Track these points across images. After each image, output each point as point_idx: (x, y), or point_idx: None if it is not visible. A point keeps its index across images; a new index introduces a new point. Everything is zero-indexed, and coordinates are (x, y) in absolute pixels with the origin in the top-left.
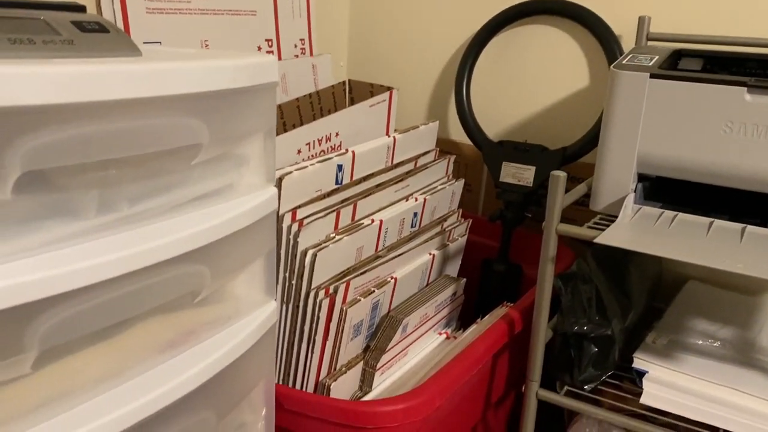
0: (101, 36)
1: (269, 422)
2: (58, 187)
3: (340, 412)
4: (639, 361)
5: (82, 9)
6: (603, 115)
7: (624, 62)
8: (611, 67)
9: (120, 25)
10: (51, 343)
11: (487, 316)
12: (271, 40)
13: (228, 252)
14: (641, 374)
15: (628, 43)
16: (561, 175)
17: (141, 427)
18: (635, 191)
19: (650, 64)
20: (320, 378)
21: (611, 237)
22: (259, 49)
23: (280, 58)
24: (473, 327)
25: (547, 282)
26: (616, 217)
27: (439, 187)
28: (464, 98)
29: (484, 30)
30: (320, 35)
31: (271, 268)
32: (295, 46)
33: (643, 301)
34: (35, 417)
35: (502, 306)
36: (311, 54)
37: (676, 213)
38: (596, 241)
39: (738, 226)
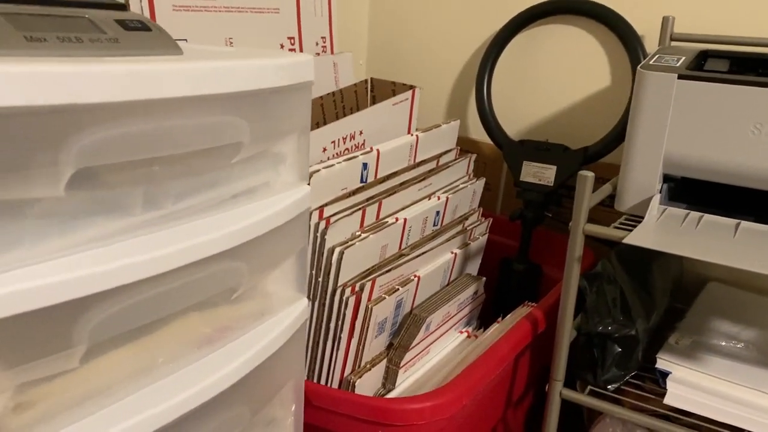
0: (144, 34)
1: (298, 418)
2: (106, 184)
3: (368, 408)
4: (662, 362)
5: (122, 7)
6: (629, 116)
7: (651, 63)
8: (638, 67)
9: None
10: (99, 337)
11: (509, 316)
12: (293, 37)
13: (265, 249)
14: (665, 375)
15: (650, 42)
16: (588, 175)
17: (182, 421)
18: (661, 192)
19: (677, 64)
20: (345, 375)
21: (639, 238)
22: (282, 47)
23: None
24: (495, 326)
25: (573, 282)
26: (641, 217)
27: (461, 186)
28: (485, 97)
29: (506, 29)
30: (340, 33)
31: (303, 265)
32: (317, 44)
33: (665, 302)
34: (82, 410)
35: (523, 305)
36: (332, 52)
37: (701, 214)
38: (625, 241)
39: (765, 227)
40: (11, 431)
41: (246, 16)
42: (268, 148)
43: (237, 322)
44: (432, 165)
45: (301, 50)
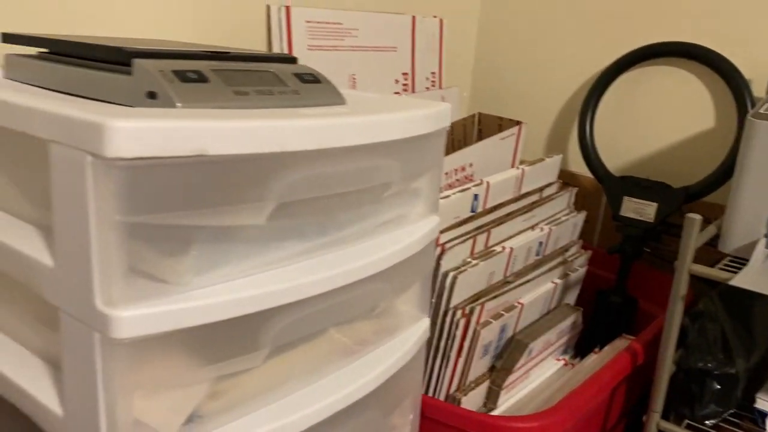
0: (316, 86)
1: (414, 427)
2: (293, 215)
3: (479, 424)
4: (762, 402)
5: (294, 60)
6: (737, 162)
7: (761, 111)
8: (748, 116)
9: None
10: (279, 342)
11: (607, 347)
12: (407, 73)
13: (404, 272)
14: (764, 415)
15: (758, 87)
16: (696, 218)
17: (333, 419)
18: (766, 236)
19: None
20: (450, 391)
21: (746, 280)
22: (396, 82)
23: (414, 91)
24: (593, 356)
25: (676, 319)
26: (746, 259)
27: (563, 219)
28: (588, 132)
29: (612, 67)
30: (447, 66)
31: (426, 288)
32: (427, 78)
33: (767, 342)
34: (258, 402)
35: (621, 338)
36: (440, 86)
37: None
38: (731, 283)
39: None
40: (207, 414)
41: (367, 54)
42: (409, 185)
43: (375, 336)
44: (536, 197)
45: (413, 85)
